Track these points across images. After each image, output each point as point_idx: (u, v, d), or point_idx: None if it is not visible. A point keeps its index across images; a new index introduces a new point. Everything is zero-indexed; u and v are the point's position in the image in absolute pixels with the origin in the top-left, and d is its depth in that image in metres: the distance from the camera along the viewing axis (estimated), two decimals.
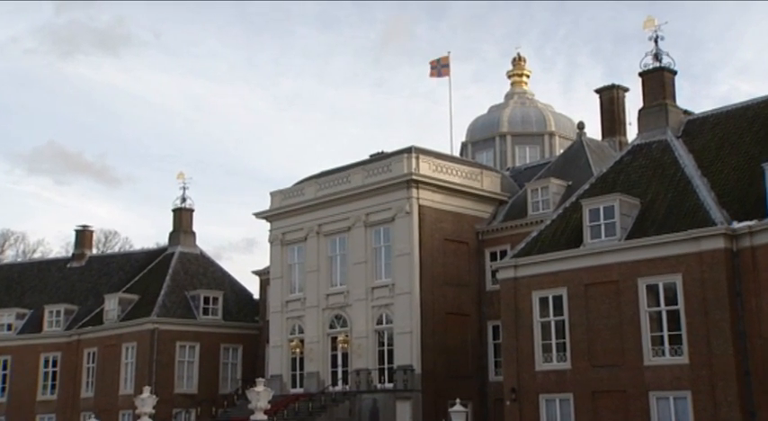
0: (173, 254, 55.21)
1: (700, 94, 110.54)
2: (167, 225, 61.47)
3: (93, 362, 52.93)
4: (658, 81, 34.69)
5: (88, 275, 58.60)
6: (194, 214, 57.26)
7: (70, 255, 61.94)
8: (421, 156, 41.92)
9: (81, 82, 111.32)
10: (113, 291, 54.18)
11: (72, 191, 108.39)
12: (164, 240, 60.09)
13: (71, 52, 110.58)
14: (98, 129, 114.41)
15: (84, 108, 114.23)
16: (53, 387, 54.29)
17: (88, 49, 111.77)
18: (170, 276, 52.87)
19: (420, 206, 41.07)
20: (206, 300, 51.98)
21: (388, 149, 46.83)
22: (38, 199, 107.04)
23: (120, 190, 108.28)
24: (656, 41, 34.85)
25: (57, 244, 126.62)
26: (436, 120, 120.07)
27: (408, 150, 42.80)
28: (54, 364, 54.62)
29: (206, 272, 55.17)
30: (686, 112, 35.55)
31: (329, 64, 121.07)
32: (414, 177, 40.91)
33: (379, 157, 45.43)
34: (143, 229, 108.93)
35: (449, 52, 53.82)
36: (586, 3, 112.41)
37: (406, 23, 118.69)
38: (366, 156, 47.85)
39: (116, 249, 77.75)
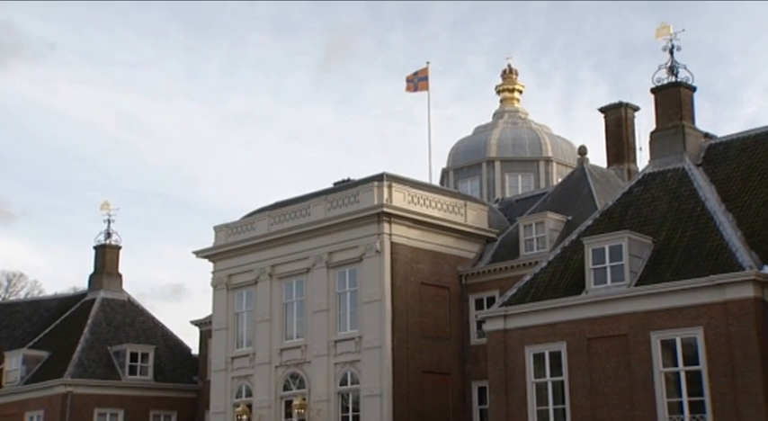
0: (93, 300, 54.66)
1: (722, 116, 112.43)
2: (88, 266, 60.84)
3: None
4: (674, 99, 35.10)
5: None
6: (121, 252, 57.03)
7: None
8: (394, 185, 42.00)
9: None
10: (16, 347, 53.25)
11: None
12: (83, 284, 59.36)
13: None
14: None
15: None
16: None
17: None
18: (89, 328, 52.26)
19: (393, 244, 41.08)
20: (133, 357, 51.39)
21: (356, 177, 46.98)
22: None
23: (27, 224, 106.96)
24: (671, 52, 35.32)
25: None
26: (413, 144, 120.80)
27: (379, 178, 42.89)
28: None
29: (134, 322, 54.64)
30: (707, 136, 35.96)
31: (286, 77, 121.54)
32: (385, 210, 40.93)
33: (344, 186, 45.49)
34: (58, 271, 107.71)
35: (428, 63, 54.25)
36: (589, 7, 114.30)
37: (378, 30, 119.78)
38: (329, 185, 47.92)
39: (21, 295, 76.56)
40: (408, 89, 54.12)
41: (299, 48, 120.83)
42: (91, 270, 56.64)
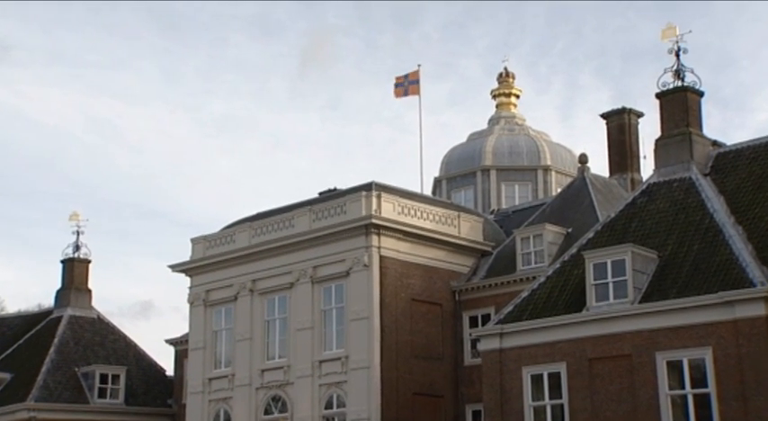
0: (60, 318, 54.53)
1: (732, 123, 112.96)
2: (55, 281, 60.66)
3: None
4: (680, 104, 35.26)
5: None
6: (91, 267, 56.87)
7: None
8: (383, 195, 42.09)
9: None
10: None
11: None
12: (49, 301, 59.20)
13: None
14: None
15: None
16: None
17: None
18: (55, 347, 52.11)
19: (381, 257, 41.16)
20: (103, 379, 51.28)
21: (343, 186, 47.03)
22: None
23: None
24: (677, 55, 35.50)
25: None
26: (403, 151, 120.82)
27: (368, 187, 42.99)
28: None
29: (104, 341, 54.51)
30: (715, 144, 36.13)
31: (269, 80, 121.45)
32: (374, 221, 41.01)
33: (330, 196, 45.58)
34: (22, 287, 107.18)
35: (419, 65, 54.43)
36: (590, 8, 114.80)
37: (367, 31, 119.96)
38: (315, 195, 47.96)
39: None
40: (398, 94, 54.24)
41: (283, 50, 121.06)
42: (58, 285, 56.48)
